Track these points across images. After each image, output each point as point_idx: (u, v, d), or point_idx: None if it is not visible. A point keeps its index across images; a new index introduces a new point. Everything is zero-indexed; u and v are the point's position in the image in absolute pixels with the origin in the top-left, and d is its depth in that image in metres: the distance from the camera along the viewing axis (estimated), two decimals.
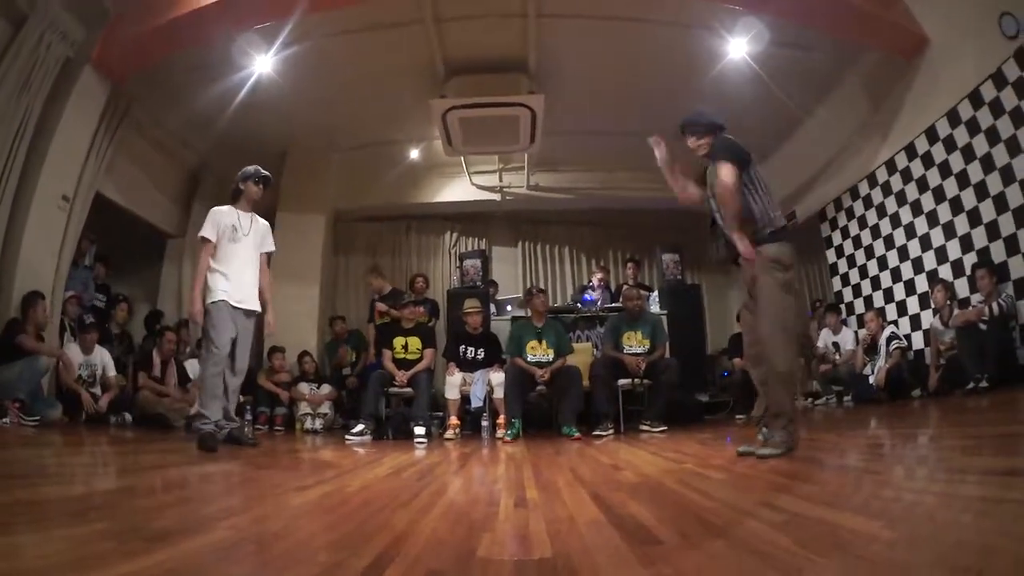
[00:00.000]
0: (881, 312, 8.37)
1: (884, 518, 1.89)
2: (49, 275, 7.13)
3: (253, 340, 5.89)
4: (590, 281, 10.93)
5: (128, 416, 7.36)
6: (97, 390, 7.30)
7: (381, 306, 9.49)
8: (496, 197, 11.99)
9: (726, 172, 3.96)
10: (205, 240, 5.64)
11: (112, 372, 7.54)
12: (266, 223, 6.19)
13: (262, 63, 7.96)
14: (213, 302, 5.45)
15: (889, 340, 7.82)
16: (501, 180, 11.92)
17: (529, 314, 8.17)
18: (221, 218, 5.74)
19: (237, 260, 5.68)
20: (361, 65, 8.71)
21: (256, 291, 5.85)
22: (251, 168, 6.04)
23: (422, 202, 12.21)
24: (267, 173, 6.12)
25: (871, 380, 7.87)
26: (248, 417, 8.47)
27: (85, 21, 7.21)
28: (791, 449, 3.63)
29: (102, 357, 7.48)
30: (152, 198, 9.94)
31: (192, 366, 8.36)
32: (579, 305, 9.96)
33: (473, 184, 11.93)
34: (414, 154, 11.20)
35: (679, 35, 7.97)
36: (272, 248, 6.16)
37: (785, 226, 4.08)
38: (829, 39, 7.79)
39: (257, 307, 5.84)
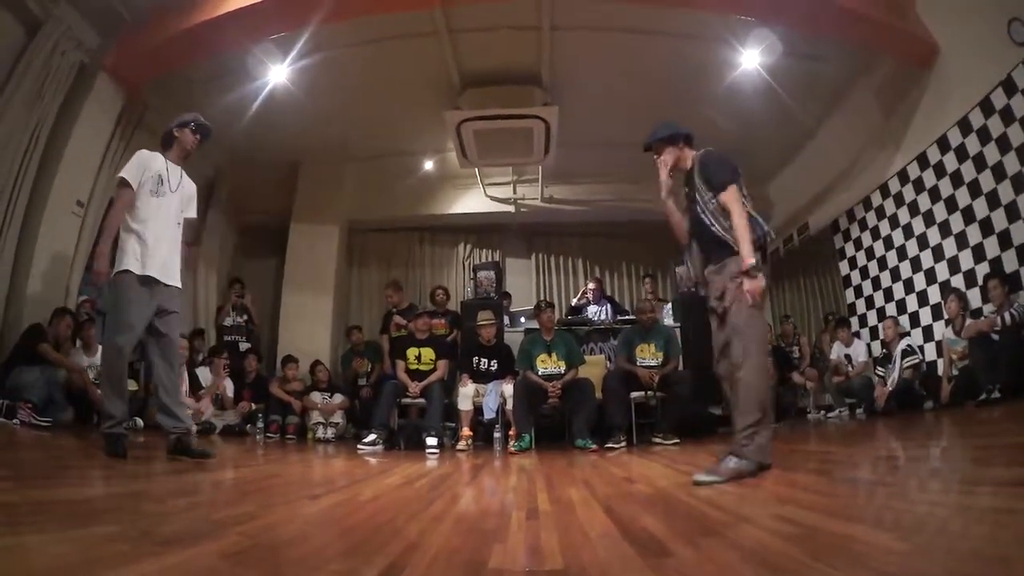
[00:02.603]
0: (895, 321, 8.32)
1: (897, 530, 1.88)
2: (63, 280, 7.17)
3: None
4: (584, 295, 10.81)
5: (139, 421, 7.36)
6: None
7: (399, 319, 9.53)
8: (510, 209, 11.99)
9: (732, 198, 3.71)
10: (124, 184, 4.65)
11: None
12: (194, 185, 5.15)
13: (277, 73, 8.02)
14: (121, 271, 4.54)
15: (904, 354, 7.76)
16: (515, 192, 11.92)
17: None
18: (149, 163, 4.81)
19: (159, 220, 4.73)
20: (376, 76, 8.75)
21: (177, 261, 4.88)
22: (190, 115, 5.17)
23: (436, 213, 12.20)
24: (207, 123, 5.18)
25: (875, 394, 7.83)
26: (260, 425, 8.48)
27: (100, 28, 7.27)
28: (744, 475, 3.38)
29: None
30: None
31: (203, 374, 8.38)
32: (590, 317, 9.93)
33: (487, 196, 11.93)
34: (428, 165, 11.25)
35: (692, 47, 7.98)
36: (194, 215, 5.14)
37: (764, 235, 3.76)
38: (840, 49, 7.80)
39: (179, 282, 4.88)
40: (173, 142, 5.07)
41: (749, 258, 3.52)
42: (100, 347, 7.27)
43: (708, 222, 3.82)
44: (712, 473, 3.36)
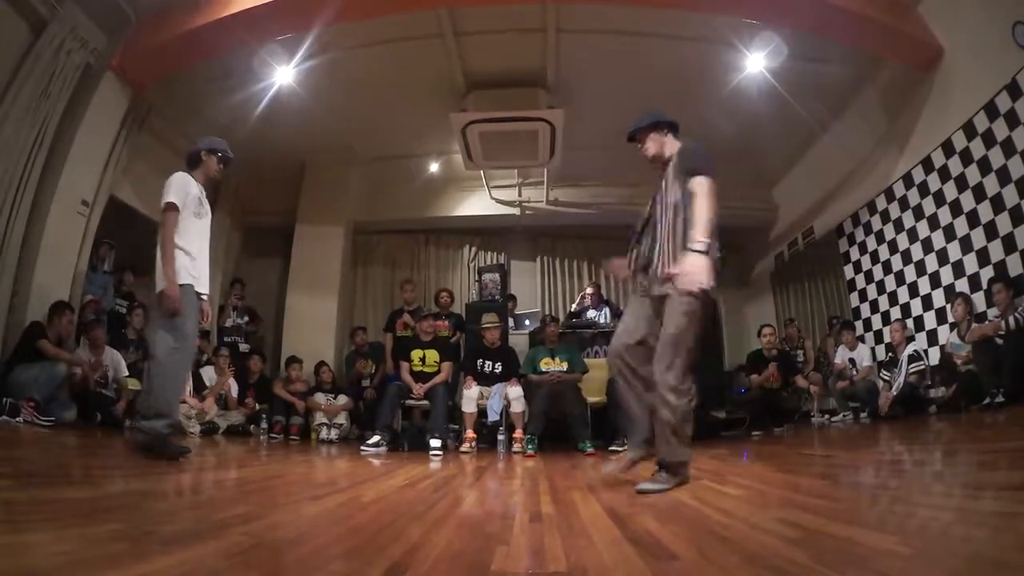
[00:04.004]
0: (903, 325, 8.27)
1: (900, 534, 1.88)
2: (67, 280, 7.17)
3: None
4: (582, 298, 10.78)
5: None
6: (110, 392, 7.30)
7: (408, 319, 9.52)
8: (515, 211, 11.96)
9: (704, 188, 3.46)
10: (173, 208, 4.91)
11: (124, 372, 7.52)
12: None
13: (283, 74, 8.02)
14: (183, 285, 4.84)
15: (911, 359, 7.71)
16: (520, 195, 11.90)
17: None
18: (189, 186, 5.08)
19: (200, 238, 5.12)
20: (382, 78, 8.76)
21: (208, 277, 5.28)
22: (219, 140, 5.44)
23: (441, 215, 12.19)
24: (231, 153, 5.45)
25: (880, 400, 7.79)
26: (263, 425, 8.49)
27: (105, 28, 7.27)
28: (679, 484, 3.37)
29: (113, 357, 7.45)
30: None
31: (208, 373, 8.38)
32: (592, 320, 9.92)
33: (492, 198, 11.90)
34: (434, 167, 11.22)
35: (697, 50, 7.97)
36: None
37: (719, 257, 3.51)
38: (846, 52, 7.78)
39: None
40: (199, 165, 5.27)
41: (700, 236, 3.35)
42: (108, 349, 7.36)
43: (667, 217, 3.65)
44: (657, 482, 3.36)
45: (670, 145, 3.88)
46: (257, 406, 8.75)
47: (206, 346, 9.06)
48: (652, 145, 3.91)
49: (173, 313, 4.76)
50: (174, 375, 4.87)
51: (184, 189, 5.02)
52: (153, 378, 4.82)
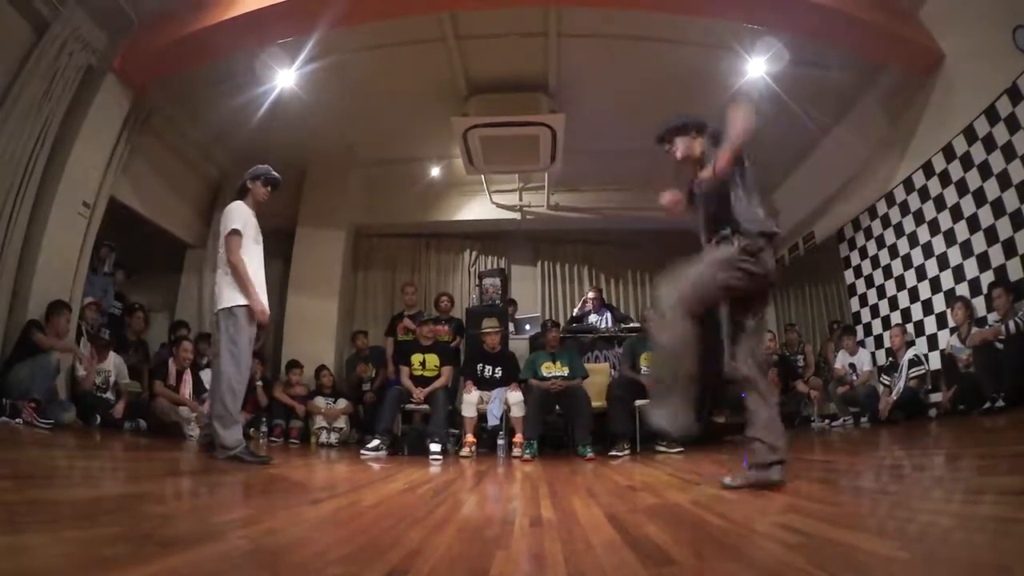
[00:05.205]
0: (903, 329, 8.26)
1: (899, 539, 1.88)
2: (68, 281, 7.16)
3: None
4: (584, 303, 10.76)
5: (143, 423, 7.35)
6: (111, 396, 7.31)
7: (409, 323, 9.51)
8: (516, 216, 11.99)
9: (736, 111, 3.41)
10: (237, 233, 5.25)
11: (125, 379, 7.54)
12: None
13: (285, 77, 8.03)
14: (241, 305, 5.15)
15: (911, 363, 7.70)
16: (521, 199, 11.93)
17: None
18: (248, 215, 5.43)
19: (257, 263, 5.39)
20: (383, 82, 8.78)
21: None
22: (262, 167, 5.74)
23: (442, 219, 12.22)
24: (277, 175, 5.79)
25: (880, 405, 7.79)
26: (263, 429, 8.47)
27: (107, 29, 7.29)
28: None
29: (115, 363, 7.48)
30: (172, 208, 10.00)
31: (207, 376, 8.36)
32: (595, 325, 9.92)
33: (493, 203, 11.93)
34: (435, 171, 11.23)
35: (699, 55, 7.96)
36: None
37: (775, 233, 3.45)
38: (847, 57, 7.77)
39: None
40: (247, 194, 5.57)
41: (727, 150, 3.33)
42: (111, 355, 7.39)
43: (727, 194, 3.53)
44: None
45: (699, 145, 3.91)
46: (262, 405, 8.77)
47: (205, 348, 9.06)
48: (681, 146, 3.93)
49: (261, 325, 5.29)
50: (232, 404, 5.09)
51: (243, 217, 5.36)
52: (230, 391, 5.09)
